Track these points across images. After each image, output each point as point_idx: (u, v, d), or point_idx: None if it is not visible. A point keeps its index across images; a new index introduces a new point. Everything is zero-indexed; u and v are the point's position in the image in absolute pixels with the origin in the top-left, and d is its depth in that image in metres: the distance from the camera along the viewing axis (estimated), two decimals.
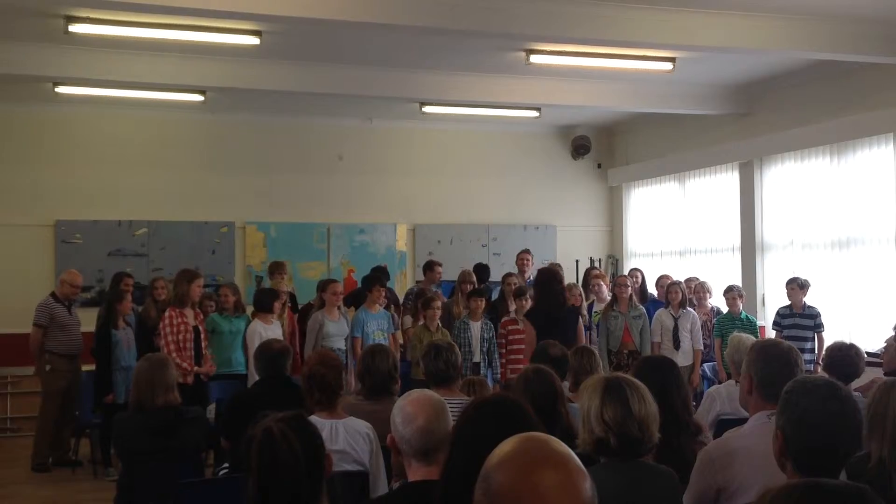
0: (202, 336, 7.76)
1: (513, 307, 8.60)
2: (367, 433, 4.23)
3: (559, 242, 12.95)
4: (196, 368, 7.62)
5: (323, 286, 8.51)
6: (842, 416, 2.39)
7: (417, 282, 11.12)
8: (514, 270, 10.02)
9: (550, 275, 7.80)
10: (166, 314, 7.61)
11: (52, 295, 8.64)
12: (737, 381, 4.87)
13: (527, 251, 10.37)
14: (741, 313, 8.82)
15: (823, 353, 6.41)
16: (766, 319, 9.70)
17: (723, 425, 4.66)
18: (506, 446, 1.56)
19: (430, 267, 10.15)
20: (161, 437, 4.67)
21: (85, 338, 8.65)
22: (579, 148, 13.03)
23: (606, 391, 3.00)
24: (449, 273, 10.54)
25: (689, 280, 9.70)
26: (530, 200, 12.96)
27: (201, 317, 7.92)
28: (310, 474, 2.46)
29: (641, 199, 12.98)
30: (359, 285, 10.69)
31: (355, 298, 9.15)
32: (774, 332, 8.67)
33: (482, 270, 10.23)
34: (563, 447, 1.54)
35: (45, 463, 8.46)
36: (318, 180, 12.03)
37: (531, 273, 10.17)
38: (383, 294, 8.68)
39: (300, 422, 2.57)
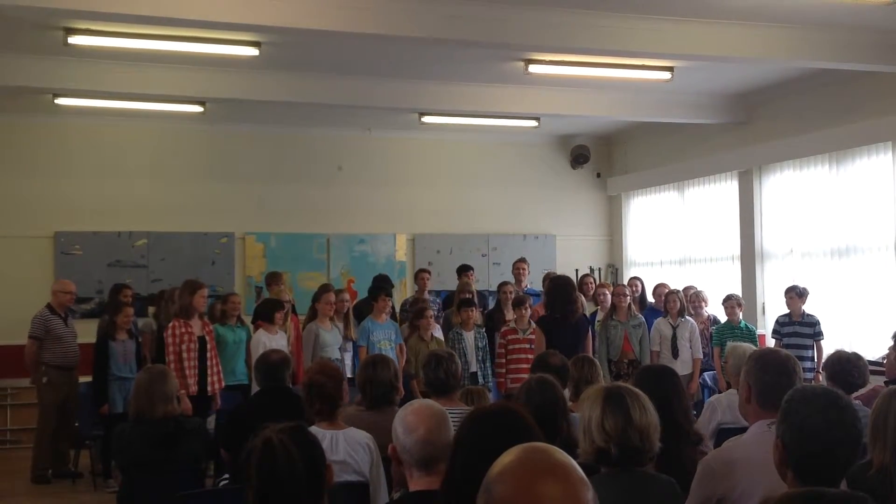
0: (208, 346, 7.65)
1: (510, 316, 8.58)
2: (367, 444, 4.22)
3: (559, 252, 12.96)
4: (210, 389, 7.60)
5: (316, 296, 8.45)
6: (842, 425, 2.39)
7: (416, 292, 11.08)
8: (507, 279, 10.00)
9: (564, 281, 7.78)
10: (170, 325, 7.59)
11: (48, 306, 8.60)
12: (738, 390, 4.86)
13: (523, 260, 10.34)
14: (740, 322, 8.82)
15: (823, 361, 6.40)
16: (766, 328, 9.69)
17: (723, 434, 4.65)
18: (507, 457, 1.55)
19: (416, 275, 10.15)
20: (161, 449, 4.65)
21: (84, 349, 8.64)
22: (578, 157, 13.04)
23: (607, 401, 2.99)
24: (451, 283, 10.54)
25: (686, 289, 9.69)
26: (530, 210, 12.97)
27: (209, 327, 7.82)
28: (310, 485, 2.45)
29: (641, 208, 12.99)
30: (358, 295, 10.72)
31: (359, 310, 9.11)
32: (774, 340, 8.67)
33: (463, 266, 10.23)
34: (565, 457, 1.53)
35: (44, 475, 8.44)
36: (318, 191, 12.04)
37: (528, 282, 10.14)
38: (389, 303, 8.63)
39: (300, 432, 2.56)
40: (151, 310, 9.72)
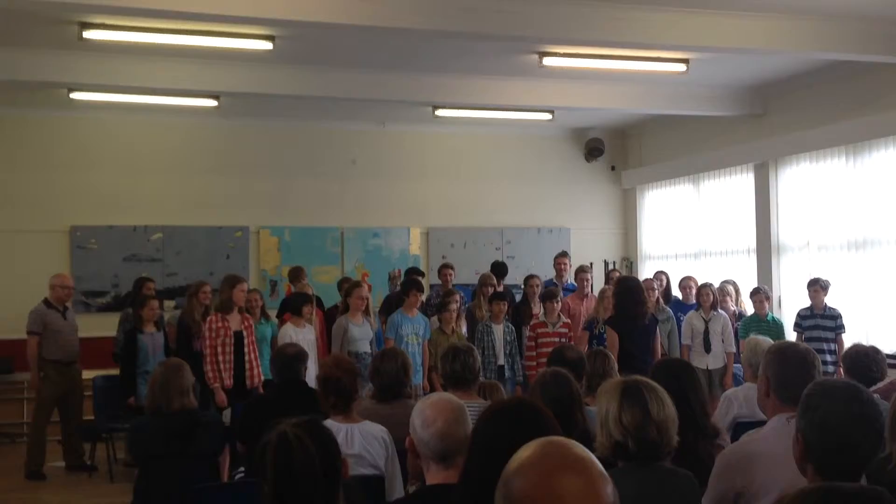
0: (246, 342, 7.64)
1: (538, 310, 8.56)
2: (382, 437, 4.23)
3: (573, 245, 12.90)
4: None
5: (348, 290, 8.45)
6: (863, 419, 2.36)
7: (432, 286, 11.06)
8: (534, 272, 9.91)
9: (637, 285, 7.72)
10: (208, 319, 7.62)
11: (45, 301, 8.49)
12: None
13: (564, 254, 10.23)
14: (767, 315, 8.79)
15: (843, 354, 6.37)
16: (782, 321, 9.64)
17: (741, 428, 4.63)
18: (526, 451, 1.55)
19: (439, 271, 10.17)
20: (177, 441, 4.67)
21: (100, 343, 8.65)
22: (593, 150, 13.01)
23: (625, 395, 2.98)
24: (464, 276, 10.53)
25: (724, 283, 9.66)
26: (544, 203, 12.94)
27: (249, 322, 7.81)
28: (326, 479, 2.45)
29: (656, 202, 12.94)
30: (372, 289, 10.70)
31: (388, 307, 9.10)
32: (795, 333, 8.62)
33: (500, 268, 10.15)
34: (585, 451, 1.52)
35: (38, 470, 8.36)
36: (332, 184, 12.05)
37: (568, 277, 10.05)
38: (420, 298, 8.60)
39: (316, 426, 2.56)
40: (169, 304, 9.74)
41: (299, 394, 5.14)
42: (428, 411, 2.75)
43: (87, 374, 9.04)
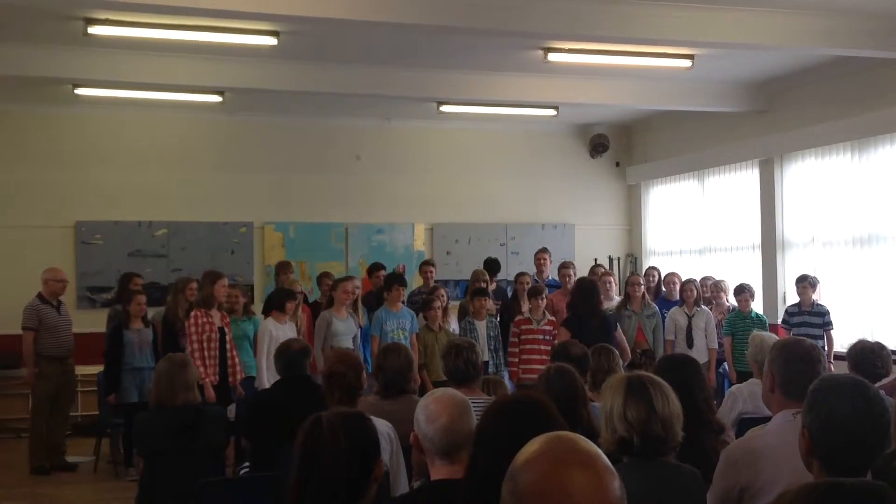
0: (227, 338, 7.67)
1: (526, 306, 8.56)
2: (387, 432, 4.22)
3: (577, 241, 12.91)
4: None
5: (334, 285, 8.45)
6: (870, 415, 2.36)
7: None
8: (532, 270, 9.95)
9: (592, 286, 7.90)
10: (192, 315, 7.61)
11: (39, 296, 8.44)
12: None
13: (544, 250, 10.24)
14: (751, 312, 8.79)
15: (846, 350, 6.35)
16: (766, 318, 9.62)
17: (745, 424, 4.63)
18: (533, 445, 1.55)
19: (420, 268, 10.17)
20: (182, 437, 4.67)
21: (100, 338, 8.63)
22: (597, 146, 12.99)
23: (629, 390, 2.97)
24: (468, 272, 10.52)
25: (704, 279, 9.68)
26: (548, 199, 12.93)
27: (227, 318, 7.84)
28: (353, 473, 2.43)
29: (660, 198, 12.92)
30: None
31: (370, 302, 9.08)
32: (784, 330, 8.63)
33: (492, 264, 10.16)
34: (592, 446, 1.53)
35: (43, 466, 8.35)
36: (336, 180, 12.05)
37: (549, 272, 10.07)
38: (403, 293, 8.59)
39: (355, 419, 2.53)
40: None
41: (304, 389, 5.14)
42: (432, 407, 2.75)
43: (91, 370, 9.06)
